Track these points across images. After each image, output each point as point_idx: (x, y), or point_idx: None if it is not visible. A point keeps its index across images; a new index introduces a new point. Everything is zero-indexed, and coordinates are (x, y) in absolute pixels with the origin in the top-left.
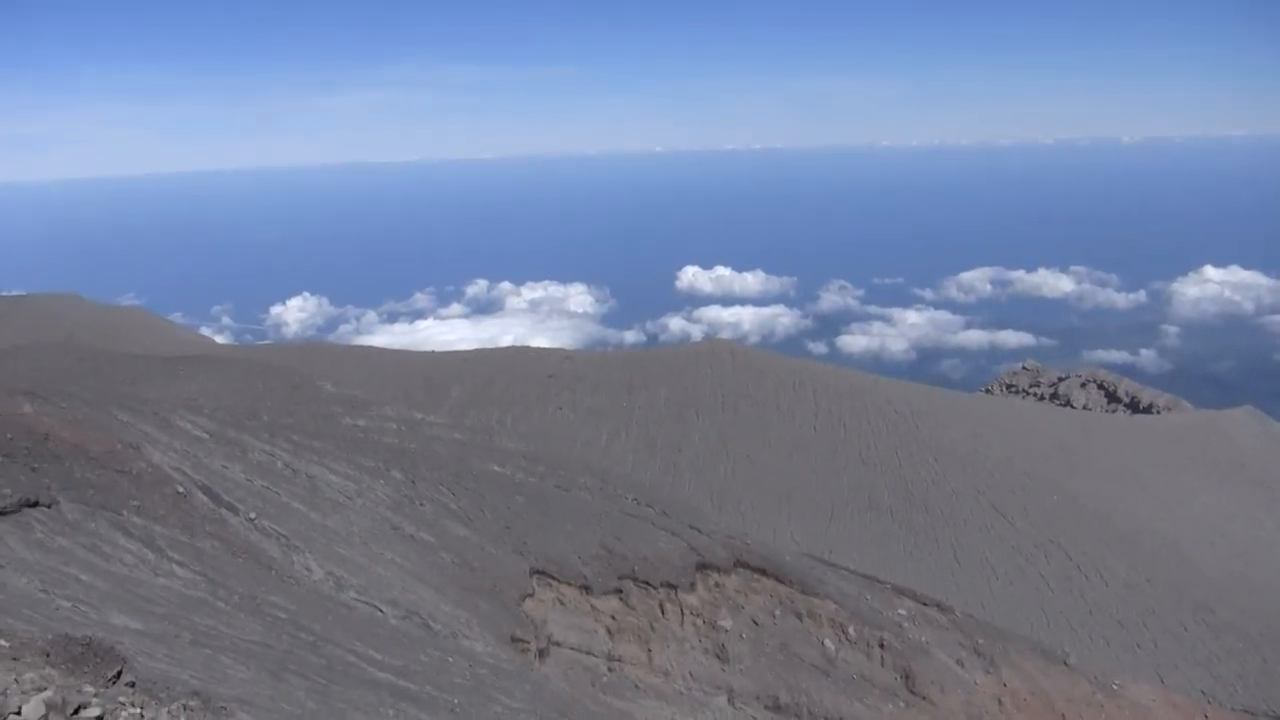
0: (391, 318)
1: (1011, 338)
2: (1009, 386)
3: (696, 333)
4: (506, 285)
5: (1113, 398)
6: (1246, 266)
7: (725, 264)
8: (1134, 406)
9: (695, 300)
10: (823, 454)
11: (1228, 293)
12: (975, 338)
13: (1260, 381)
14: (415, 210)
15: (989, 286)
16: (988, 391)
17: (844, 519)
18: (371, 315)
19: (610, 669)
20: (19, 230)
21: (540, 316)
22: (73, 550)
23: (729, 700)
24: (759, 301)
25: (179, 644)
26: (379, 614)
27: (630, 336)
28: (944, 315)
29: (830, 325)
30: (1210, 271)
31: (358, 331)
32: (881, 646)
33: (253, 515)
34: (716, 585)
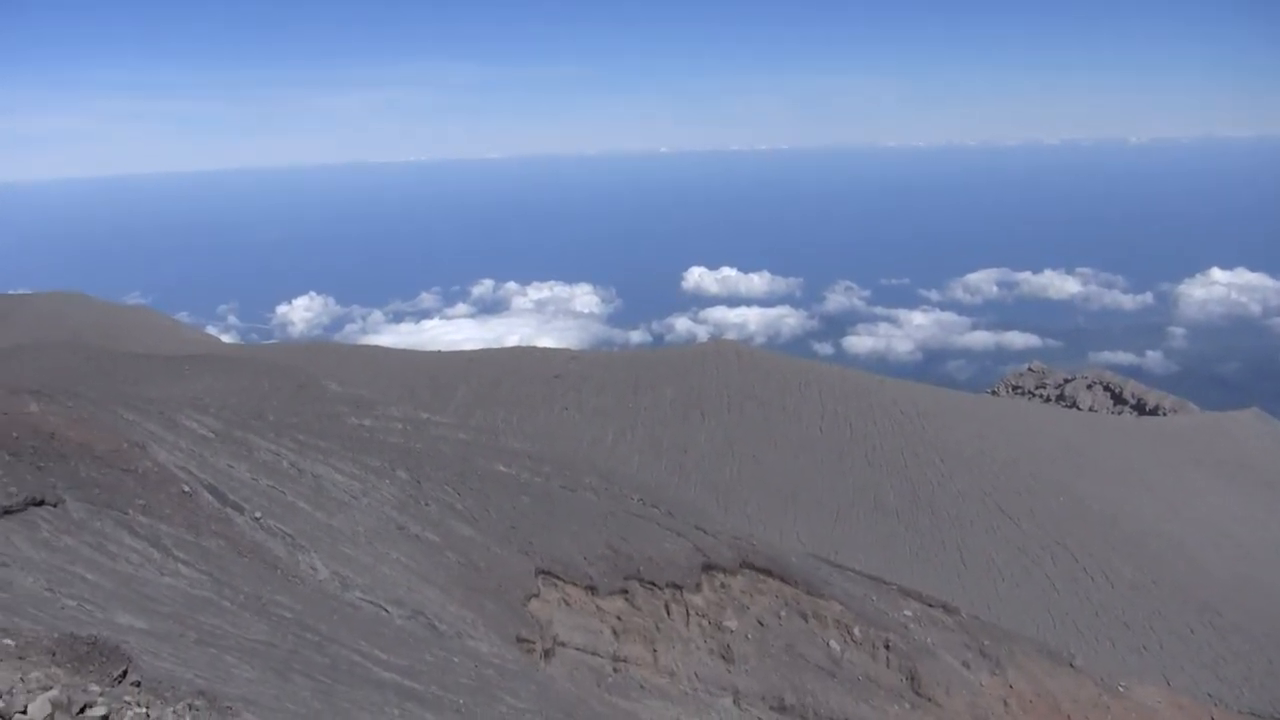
0: (397, 317)
1: (1017, 339)
2: (1015, 388)
3: (702, 333)
4: (512, 285)
5: (1119, 399)
6: (1253, 268)
7: (731, 264)
8: (1140, 408)
9: (701, 301)
10: (828, 455)
11: (1234, 294)
12: (981, 339)
13: (1267, 383)
14: (421, 210)
15: (995, 288)
16: (994, 393)
17: (850, 520)
18: (377, 315)
19: (615, 669)
20: (24, 229)
21: (546, 317)
22: (78, 549)
23: (734, 701)
24: (765, 302)
25: (184, 643)
26: (384, 614)
27: (636, 337)
28: (950, 316)
29: (836, 326)
30: (1217, 273)
31: (363, 331)
32: (887, 648)
33: (258, 514)
34: (722, 586)
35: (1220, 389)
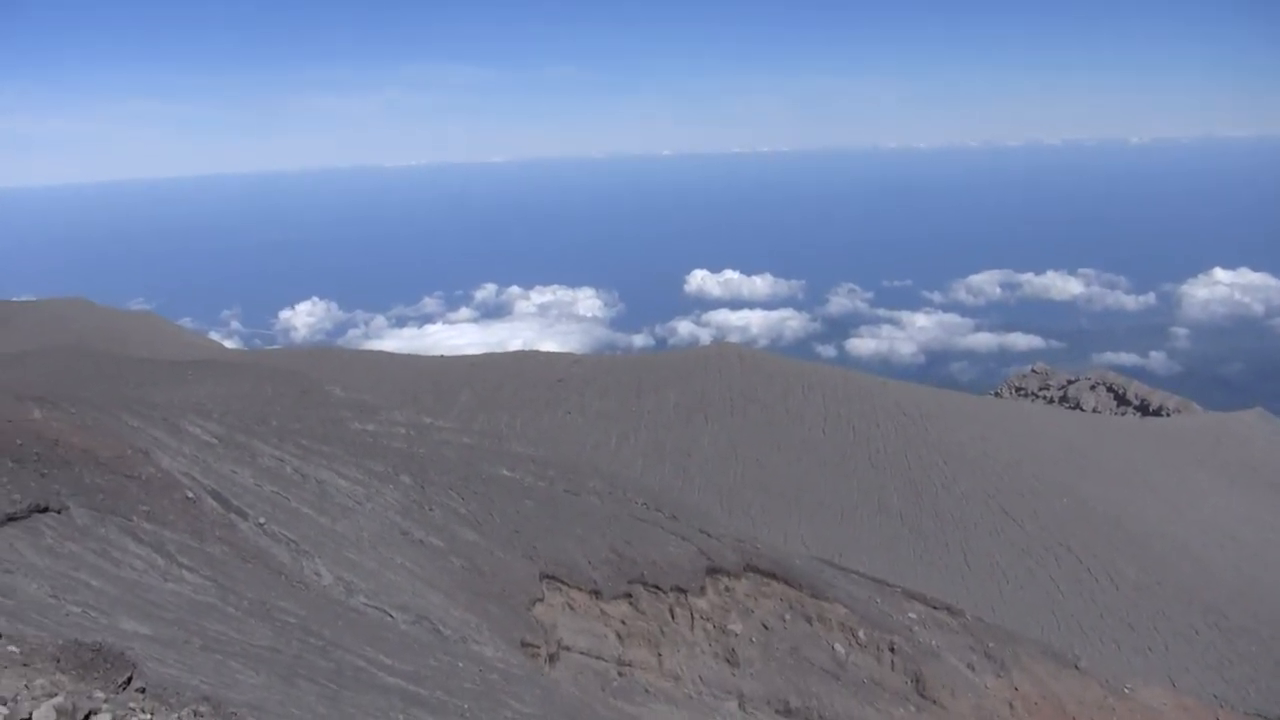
0: (400, 322)
1: (1021, 340)
2: (1018, 389)
3: (705, 336)
4: (515, 289)
5: (1122, 400)
6: (1256, 268)
7: (733, 267)
8: (1144, 409)
9: (704, 304)
10: (832, 457)
11: (1237, 294)
12: (984, 340)
13: (1270, 383)
14: (423, 214)
15: (998, 289)
16: (997, 394)
17: (853, 522)
18: (380, 320)
19: (620, 673)
20: (28, 234)
21: (549, 320)
22: (82, 555)
23: (739, 705)
24: (767, 305)
25: (189, 649)
26: (389, 619)
27: (639, 340)
28: (953, 318)
29: (839, 328)
30: (1219, 273)
31: (366, 336)
32: (892, 650)
33: (262, 520)
34: (726, 589)
35: (1224, 389)
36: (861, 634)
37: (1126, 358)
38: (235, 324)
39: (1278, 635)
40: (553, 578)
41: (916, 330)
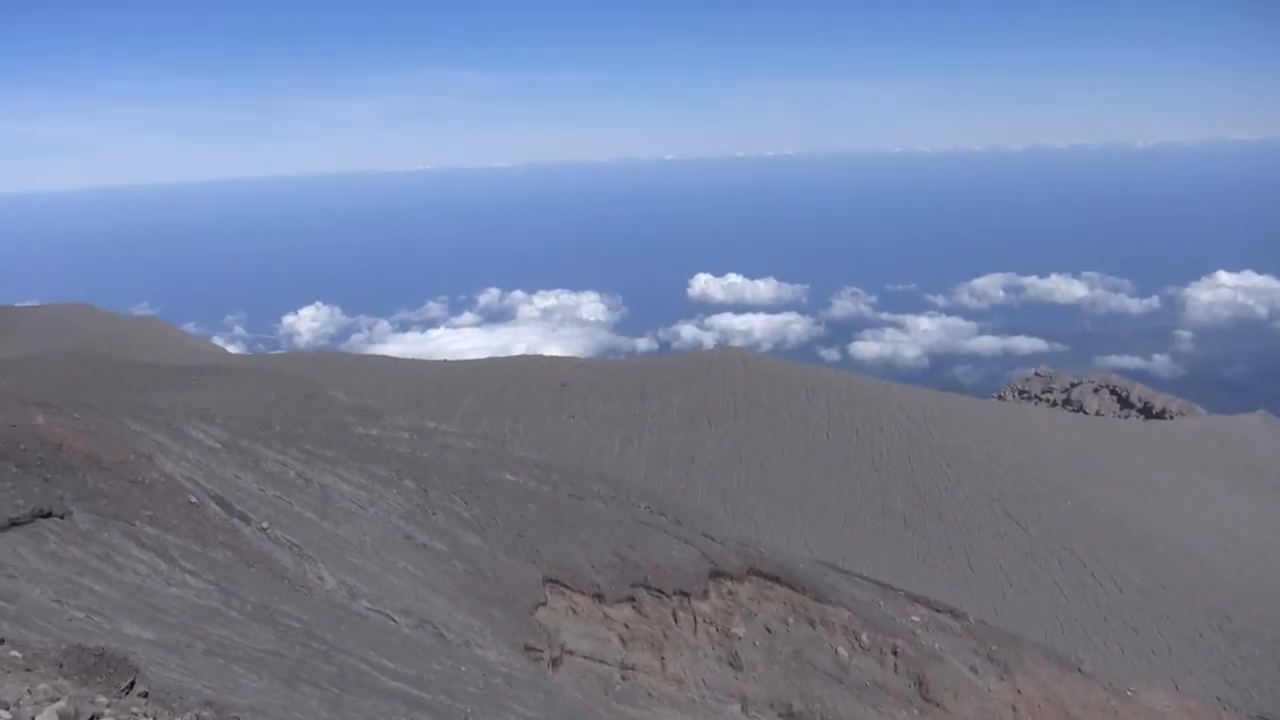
0: (404, 327)
1: (1024, 343)
2: (1022, 392)
3: (709, 340)
4: (519, 294)
5: (1126, 403)
6: (1260, 271)
7: (737, 271)
8: (1147, 412)
9: (707, 308)
10: (835, 461)
11: (1241, 297)
12: (988, 344)
13: (1274, 386)
14: (427, 219)
15: (1001, 292)
16: (1000, 398)
17: (857, 526)
18: (384, 324)
19: (623, 677)
20: (31, 240)
21: (552, 325)
22: (86, 560)
23: (742, 708)
24: (771, 309)
25: (192, 654)
26: (392, 623)
27: (642, 344)
28: (957, 321)
29: (843, 332)
30: (1223, 276)
31: (370, 341)
32: (895, 653)
33: (265, 525)
34: (730, 593)
35: (1227, 392)
36: (865, 637)
37: (1130, 361)
38: (239, 329)
39: None
40: (556, 582)
41: (920, 334)
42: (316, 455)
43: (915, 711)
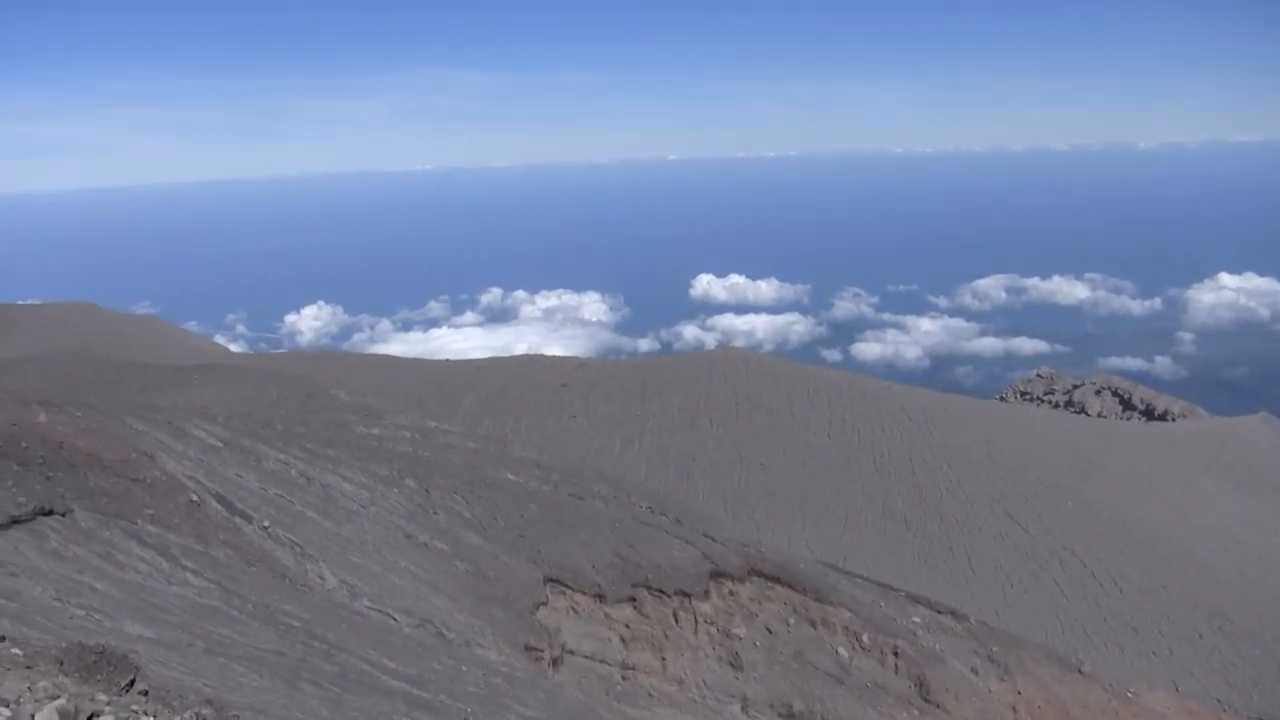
0: (405, 326)
1: (1026, 345)
2: (1023, 394)
3: (710, 341)
4: (520, 293)
5: (1127, 405)
6: (1262, 273)
7: (739, 272)
8: (1149, 413)
9: (709, 308)
10: (837, 461)
11: (1243, 299)
12: (989, 345)
13: (1275, 388)
14: (429, 218)
15: (1003, 293)
16: (1002, 399)
17: (858, 526)
18: (385, 324)
19: (624, 677)
20: (32, 240)
21: (554, 325)
22: (87, 559)
23: (743, 709)
24: (773, 309)
25: (192, 652)
26: (393, 622)
27: (644, 344)
28: (958, 322)
29: (844, 333)
30: (1225, 278)
31: (372, 340)
32: (895, 654)
33: (266, 524)
34: (730, 593)
35: (1229, 394)
36: (865, 638)
37: (1132, 362)
38: (240, 328)
39: None
40: (557, 581)
41: (921, 334)
42: (318, 454)
43: (916, 712)
